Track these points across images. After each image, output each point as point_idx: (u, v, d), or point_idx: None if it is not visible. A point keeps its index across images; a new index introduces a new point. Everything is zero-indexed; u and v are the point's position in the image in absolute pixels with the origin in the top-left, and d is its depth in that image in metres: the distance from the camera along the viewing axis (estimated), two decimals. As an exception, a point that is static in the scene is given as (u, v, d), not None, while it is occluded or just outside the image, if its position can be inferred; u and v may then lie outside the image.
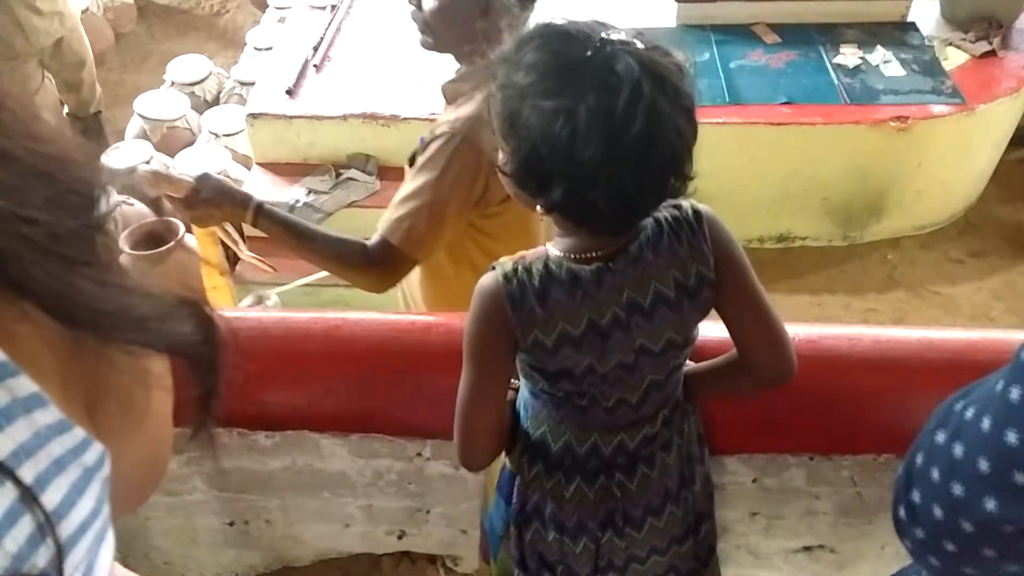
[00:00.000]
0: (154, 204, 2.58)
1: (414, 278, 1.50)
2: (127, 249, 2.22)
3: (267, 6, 3.44)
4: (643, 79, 0.81)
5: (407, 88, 2.57)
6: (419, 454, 1.32)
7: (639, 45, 0.84)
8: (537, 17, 0.90)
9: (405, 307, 1.62)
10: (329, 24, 2.88)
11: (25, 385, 0.35)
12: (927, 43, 2.84)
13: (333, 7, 2.98)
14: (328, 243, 1.38)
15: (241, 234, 1.51)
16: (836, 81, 2.69)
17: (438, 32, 1.33)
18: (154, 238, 2.27)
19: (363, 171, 2.60)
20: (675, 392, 1.06)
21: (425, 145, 1.34)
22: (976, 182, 2.96)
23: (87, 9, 3.58)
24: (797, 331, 1.19)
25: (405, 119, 2.52)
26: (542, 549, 1.11)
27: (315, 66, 2.73)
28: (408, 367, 1.24)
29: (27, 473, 0.34)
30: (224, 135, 2.86)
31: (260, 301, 2.18)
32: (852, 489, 1.30)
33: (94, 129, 3.20)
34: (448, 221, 1.33)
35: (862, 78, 2.70)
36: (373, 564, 1.61)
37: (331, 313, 1.29)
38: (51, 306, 0.35)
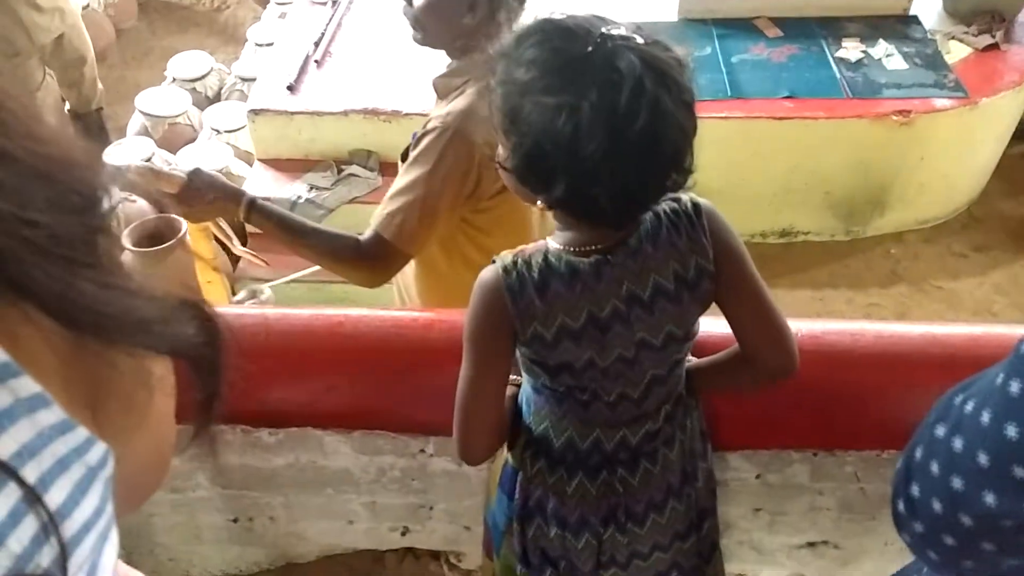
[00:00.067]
0: (157, 202, 2.58)
1: (409, 273, 1.51)
2: (129, 246, 2.22)
3: (268, 2, 3.44)
4: (645, 75, 0.81)
5: (408, 83, 2.56)
6: (422, 451, 1.32)
7: (639, 40, 0.83)
8: (537, 11, 0.90)
9: (401, 302, 1.63)
10: (330, 20, 2.88)
11: (28, 386, 0.35)
12: (929, 36, 2.83)
13: (334, 2, 2.98)
14: (321, 238, 1.38)
15: (243, 233, 1.51)
16: (838, 75, 2.68)
17: (428, 28, 1.34)
18: (156, 235, 2.27)
19: (365, 167, 2.59)
20: (677, 387, 1.06)
21: (417, 140, 1.34)
22: (979, 176, 2.95)
23: (88, 5, 3.57)
24: (800, 326, 1.19)
25: (407, 115, 2.51)
26: (544, 545, 1.11)
27: (316, 62, 2.73)
28: (411, 364, 1.24)
29: (30, 473, 0.34)
30: (226, 131, 2.86)
31: (253, 295, 2.19)
32: (855, 485, 1.30)
33: (96, 126, 3.20)
34: (440, 215, 1.33)
35: (864, 72, 2.69)
36: (377, 560, 1.61)
37: (334, 310, 1.29)
38: (53, 308, 0.35)
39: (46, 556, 0.34)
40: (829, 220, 2.84)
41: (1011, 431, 0.60)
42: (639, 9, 2.75)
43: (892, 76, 2.68)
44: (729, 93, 2.61)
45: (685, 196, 0.95)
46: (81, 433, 0.37)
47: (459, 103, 1.31)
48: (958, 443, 0.66)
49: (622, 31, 0.84)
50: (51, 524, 0.35)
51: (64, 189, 0.37)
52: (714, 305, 1.00)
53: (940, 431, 0.69)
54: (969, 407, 0.66)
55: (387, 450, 1.32)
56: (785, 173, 2.71)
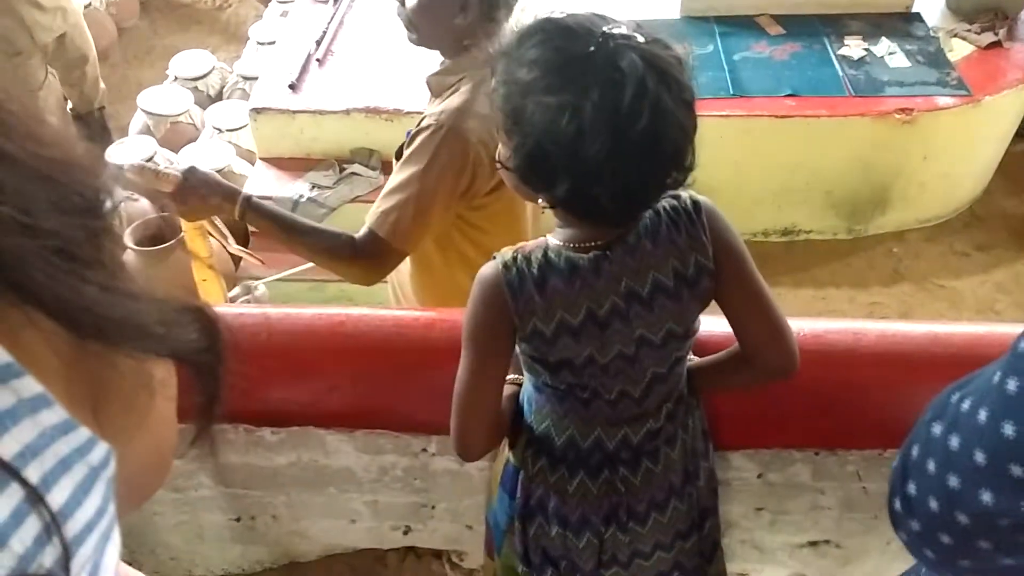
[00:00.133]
0: (158, 201, 2.58)
1: (404, 271, 1.51)
2: (131, 245, 2.22)
3: (270, 0, 3.43)
4: (647, 75, 0.81)
5: (410, 82, 2.56)
6: (424, 450, 1.32)
7: (640, 39, 0.84)
8: (538, 10, 0.90)
9: (395, 300, 1.63)
10: (331, 18, 2.88)
11: (30, 386, 0.35)
12: (932, 34, 2.82)
13: (336, 1, 2.98)
14: (317, 236, 1.38)
15: (245, 233, 1.52)
16: (840, 73, 2.68)
17: (421, 28, 1.35)
18: (158, 235, 2.27)
19: (366, 165, 2.59)
20: (678, 386, 1.06)
21: (411, 138, 1.34)
22: (981, 174, 2.95)
23: (90, 4, 3.57)
24: (802, 325, 1.19)
25: (408, 113, 2.51)
26: (545, 544, 1.11)
27: (318, 60, 2.73)
28: (413, 363, 1.24)
29: (33, 473, 0.34)
30: (227, 130, 2.86)
31: (248, 291, 2.19)
32: (857, 484, 1.30)
33: (98, 125, 3.20)
34: (435, 213, 1.33)
35: (867, 70, 2.69)
36: (378, 559, 1.61)
37: (335, 309, 1.29)
38: (55, 311, 0.35)
39: (49, 556, 0.34)
40: (831, 219, 2.83)
41: (1008, 429, 0.60)
42: (641, 7, 2.75)
43: (895, 74, 2.67)
44: (731, 91, 2.61)
45: (685, 194, 0.96)
46: (83, 433, 0.37)
47: (453, 101, 1.31)
48: (955, 441, 0.66)
49: (623, 30, 0.84)
50: (54, 524, 0.35)
51: (66, 191, 0.37)
52: (715, 305, 1.00)
53: (937, 429, 0.69)
54: (966, 405, 0.66)
55: (389, 449, 1.32)
56: (787, 171, 2.71)
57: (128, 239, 2.24)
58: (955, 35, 2.84)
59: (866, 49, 2.76)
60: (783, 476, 1.31)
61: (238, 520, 1.49)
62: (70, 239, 0.36)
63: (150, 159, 2.65)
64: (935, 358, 1.19)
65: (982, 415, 0.63)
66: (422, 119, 1.34)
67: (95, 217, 0.38)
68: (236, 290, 2.18)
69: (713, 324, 1.07)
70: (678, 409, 1.07)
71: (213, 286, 1.54)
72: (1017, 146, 2.96)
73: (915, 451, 0.71)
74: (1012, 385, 0.61)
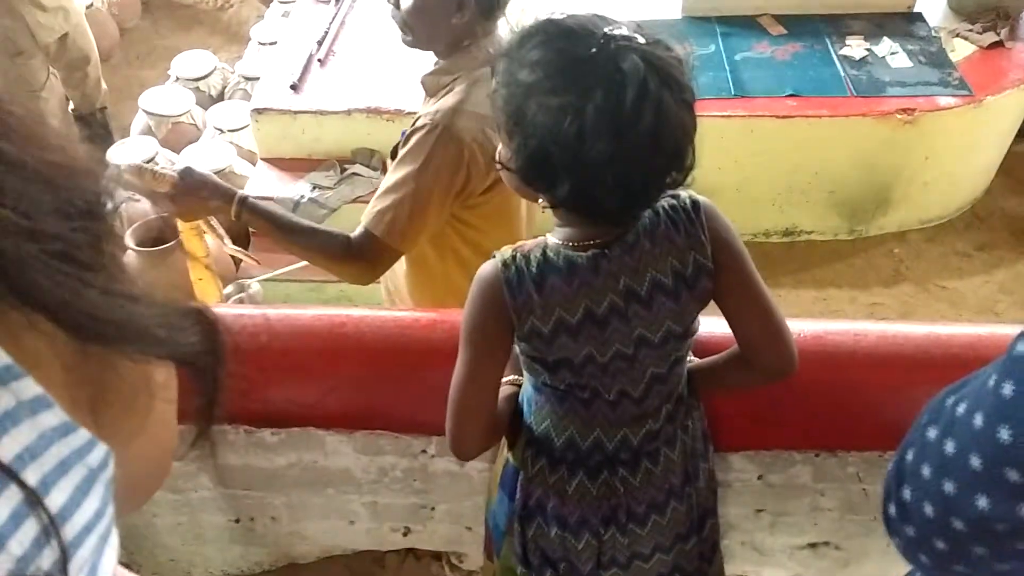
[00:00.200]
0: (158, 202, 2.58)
1: (399, 270, 1.51)
2: (132, 246, 2.22)
3: (271, 1, 3.44)
4: (649, 76, 0.81)
5: (411, 82, 2.54)
6: (424, 451, 1.32)
7: (641, 40, 0.84)
8: (539, 11, 0.90)
9: (389, 299, 1.63)
10: (333, 19, 2.88)
11: (30, 388, 0.35)
12: (934, 34, 2.82)
13: (337, 1, 2.98)
14: (312, 236, 1.39)
15: (246, 234, 1.52)
16: (842, 73, 2.68)
17: (417, 30, 1.36)
18: (159, 235, 2.28)
19: (368, 166, 2.59)
20: (678, 387, 1.06)
21: (406, 138, 1.35)
22: (983, 175, 2.94)
23: (92, 4, 3.58)
24: (802, 327, 1.19)
25: (410, 113, 2.51)
26: (544, 545, 1.11)
27: (319, 61, 2.73)
28: (413, 364, 1.24)
29: (32, 475, 0.34)
30: (229, 130, 2.86)
31: (242, 290, 2.20)
32: (857, 486, 1.30)
33: (99, 125, 3.21)
34: (431, 212, 1.34)
35: (868, 70, 2.69)
36: (378, 561, 1.61)
37: (336, 310, 1.29)
38: (56, 315, 0.35)
39: (47, 559, 0.34)
40: (833, 219, 2.83)
41: (1004, 434, 0.60)
42: (643, 7, 2.74)
43: (896, 74, 2.67)
44: (732, 91, 2.60)
45: (684, 193, 0.96)
46: (82, 435, 0.37)
47: (448, 100, 1.32)
48: (950, 446, 0.65)
49: (624, 31, 0.84)
50: (52, 526, 0.35)
51: (68, 194, 0.37)
52: (715, 306, 1.00)
53: (932, 434, 0.68)
54: (961, 409, 0.65)
55: (389, 450, 1.32)
56: (788, 172, 2.71)
57: (129, 240, 2.24)
58: (957, 35, 2.84)
59: (868, 49, 2.75)
60: (783, 478, 1.31)
61: (237, 521, 1.49)
62: (71, 242, 0.36)
63: (151, 160, 2.66)
64: (936, 359, 1.19)
65: (978, 419, 0.62)
66: (417, 119, 1.35)
67: (96, 220, 0.38)
68: (229, 288, 2.18)
69: (713, 325, 1.07)
70: (678, 410, 1.07)
71: (209, 286, 1.54)
72: (1019, 146, 2.95)
73: (910, 456, 0.70)
74: (1008, 389, 0.60)
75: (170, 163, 2.66)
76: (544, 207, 0.93)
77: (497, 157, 0.95)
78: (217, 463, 1.36)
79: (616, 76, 0.81)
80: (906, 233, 2.90)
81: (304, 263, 1.61)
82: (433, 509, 1.43)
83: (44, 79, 2.89)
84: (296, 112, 2.58)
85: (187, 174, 1.36)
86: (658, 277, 0.94)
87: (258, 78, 2.85)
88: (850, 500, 1.32)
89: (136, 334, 0.38)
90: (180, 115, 2.97)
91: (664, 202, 0.95)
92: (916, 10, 2.91)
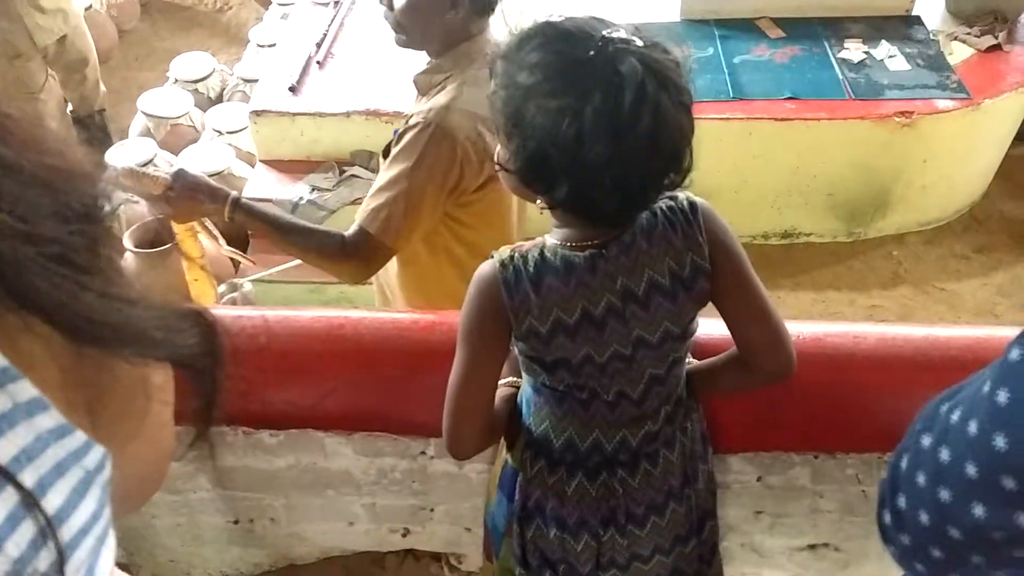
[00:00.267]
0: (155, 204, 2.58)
1: (392, 269, 1.51)
2: (130, 247, 2.22)
3: (270, 2, 3.44)
4: (646, 79, 0.82)
5: (410, 85, 2.56)
6: (423, 452, 1.32)
7: (639, 43, 0.84)
8: (537, 14, 0.90)
9: (382, 297, 1.64)
10: (332, 20, 2.88)
11: (26, 390, 0.35)
12: (932, 37, 2.82)
13: (336, 3, 2.98)
14: (307, 235, 1.39)
15: (245, 236, 1.53)
16: (840, 76, 2.68)
17: (410, 29, 1.36)
18: (157, 237, 2.28)
19: (366, 168, 2.59)
20: (677, 388, 1.06)
21: (399, 136, 1.35)
22: (981, 177, 2.95)
23: (90, 6, 3.58)
24: (801, 329, 1.19)
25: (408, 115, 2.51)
26: (543, 546, 1.11)
27: (318, 63, 2.73)
28: (412, 366, 1.24)
29: (28, 478, 0.34)
30: (228, 132, 2.86)
31: (234, 289, 2.20)
32: (857, 487, 1.30)
33: (98, 127, 3.21)
34: (424, 209, 1.34)
35: (867, 73, 2.69)
36: (377, 562, 1.61)
37: (335, 312, 1.29)
38: (53, 318, 0.35)
39: (44, 560, 0.34)
40: (831, 221, 2.83)
41: (1000, 442, 0.59)
42: (641, 10, 2.75)
43: (894, 77, 2.67)
44: (731, 94, 2.61)
45: (682, 195, 0.96)
46: (79, 437, 0.37)
47: (440, 98, 1.32)
48: (945, 454, 0.65)
49: (622, 34, 0.84)
50: (49, 528, 0.35)
51: (66, 198, 0.37)
52: (715, 308, 1.00)
53: (926, 441, 0.68)
54: (955, 417, 0.65)
55: (388, 452, 1.32)
56: (787, 174, 2.71)
57: (128, 241, 2.24)
58: (955, 38, 2.84)
59: (866, 52, 2.76)
60: (782, 479, 1.31)
61: (236, 522, 1.49)
62: (69, 246, 0.36)
63: (150, 161, 2.65)
64: (935, 361, 1.19)
65: (972, 427, 0.62)
66: (409, 117, 1.35)
67: (93, 223, 0.38)
68: (222, 287, 2.18)
69: (712, 327, 1.07)
70: (677, 411, 1.07)
71: (205, 287, 1.55)
72: (1017, 149, 2.96)
73: (904, 463, 0.70)
74: (1003, 396, 0.59)
75: (169, 165, 2.66)
76: (542, 208, 0.93)
77: (496, 158, 0.95)
78: (216, 464, 1.36)
79: (614, 79, 0.81)
80: (905, 235, 2.90)
81: (298, 262, 1.61)
82: (432, 510, 1.43)
83: (42, 81, 2.89)
84: (295, 114, 2.58)
85: (180, 176, 1.36)
86: (655, 278, 0.94)
87: (257, 80, 2.85)
88: (849, 502, 1.32)
89: (133, 336, 0.38)
90: (179, 117, 2.97)
91: (662, 203, 0.96)
92: (914, 13, 2.91)
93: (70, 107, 3.18)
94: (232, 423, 1.28)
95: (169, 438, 0.46)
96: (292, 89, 2.62)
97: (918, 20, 2.90)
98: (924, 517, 0.66)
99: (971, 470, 0.62)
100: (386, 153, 1.41)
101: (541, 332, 0.95)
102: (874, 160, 2.66)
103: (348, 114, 2.56)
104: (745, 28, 2.86)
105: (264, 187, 2.57)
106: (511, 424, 1.11)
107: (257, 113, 2.59)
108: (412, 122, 1.33)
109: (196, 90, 3.15)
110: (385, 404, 1.27)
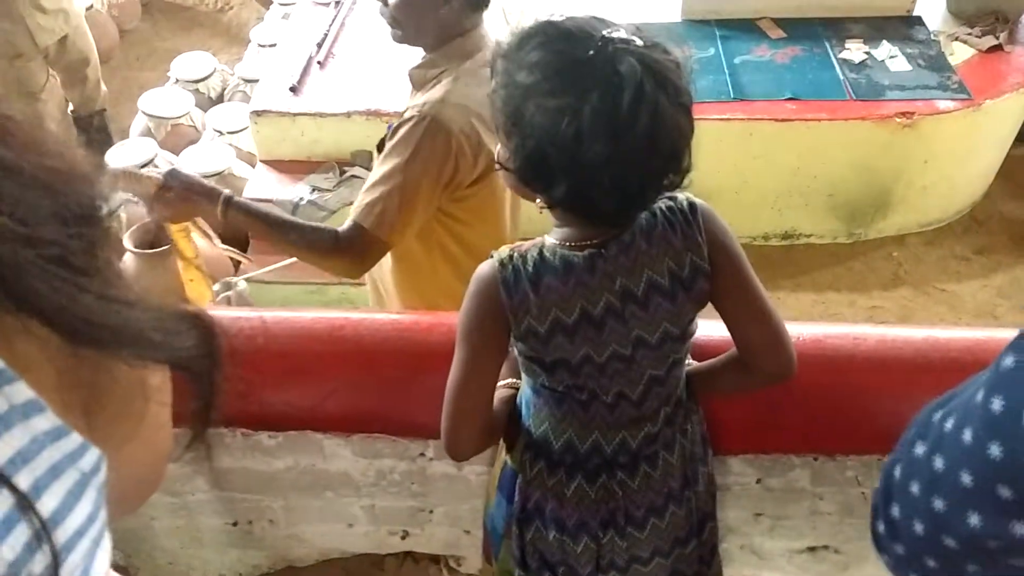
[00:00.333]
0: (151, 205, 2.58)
1: (385, 266, 1.51)
2: (130, 248, 2.22)
3: (271, 3, 3.44)
4: (645, 79, 0.82)
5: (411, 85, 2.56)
6: (422, 454, 1.32)
7: (639, 43, 0.84)
8: (537, 13, 0.90)
9: (376, 295, 1.64)
10: (333, 21, 2.88)
11: (22, 391, 0.35)
12: (933, 38, 2.82)
13: (337, 3, 2.98)
14: (301, 231, 1.39)
15: (246, 237, 1.53)
16: (841, 76, 2.68)
17: (405, 24, 1.37)
18: (157, 239, 2.27)
19: (367, 168, 2.59)
20: (677, 389, 1.06)
21: (393, 130, 1.35)
22: (982, 178, 2.94)
23: (91, 6, 3.58)
24: (801, 330, 1.19)
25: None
26: (543, 548, 1.11)
27: (319, 63, 2.73)
28: (411, 367, 1.24)
29: (23, 480, 0.34)
30: (228, 132, 2.86)
31: (228, 287, 2.20)
32: (856, 489, 1.30)
33: (99, 127, 3.21)
34: (419, 203, 1.34)
35: (868, 73, 2.69)
36: (376, 564, 1.61)
37: (335, 313, 1.29)
38: (52, 320, 0.35)
39: (39, 563, 0.34)
40: (832, 222, 2.83)
41: (995, 450, 0.58)
42: (642, 10, 2.75)
43: (895, 78, 2.67)
44: (732, 95, 2.60)
45: (681, 195, 0.96)
46: (75, 439, 0.37)
47: (435, 93, 1.33)
48: (939, 463, 0.64)
49: (622, 34, 0.84)
50: (44, 531, 0.35)
51: (65, 200, 0.37)
52: (715, 309, 1.00)
53: (920, 450, 0.67)
54: (949, 425, 0.64)
55: (387, 453, 1.32)
56: (788, 175, 2.71)
57: (128, 242, 2.24)
58: (956, 39, 2.84)
59: (867, 53, 2.76)
60: (782, 481, 1.30)
61: (235, 524, 1.48)
62: (68, 248, 0.36)
63: (151, 161, 2.65)
64: (935, 363, 1.19)
65: (967, 435, 0.61)
66: (404, 111, 1.35)
67: (92, 225, 0.38)
68: (216, 286, 2.19)
69: (712, 328, 1.06)
70: (677, 413, 1.07)
71: (201, 287, 1.55)
72: (1017, 150, 2.95)
73: (898, 472, 0.69)
74: (997, 405, 0.59)
75: (170, 165, 2.66)
76: (542, 207, 0.93)
77: (496, 157, 0.95)
78: (213, 466, 1.35)
79: (613, 79, 0.81)
80: (905, 237, 2.90)
81: (293, 259, 1.62)
82: (431, 512, 1.43)
83: (43, 81, 2.90)
84: (295, 114, 2.58)
85: (171, 176, 1.36)
86: (654, 278, 0.94)
87: (257, 80, 2.86)
88: (849, 504, 1.32)
89: (131, 338, 0.38)
90: (179, 117, 2.97)
91: (661, 204, 0.96)
92: (915, 14, 2.91)
93: (71, 107, 3.18)
94: (231, 424, 1.28)
95: (167, 440, 0.46)
96: (293, 89, 2.62)
97: (919, 20, 2.89)
98: (918, 526, 0.66)
99: (966, 479, 0.61)
100: (380, 148, 1.42)
101: (540, 332, 0.95)
102: (875, 161, 2.66)
103: (349, 114, 2.56)
104: (746, 28, 2.86)
105: (265, 187, 2.57)
106: (510, 426, 1.11)
107: (258, 113, 2.60)
108: (406, 116, 1.33)
109: (197, 90, 3.15)
110: (384, 405, 1.27)
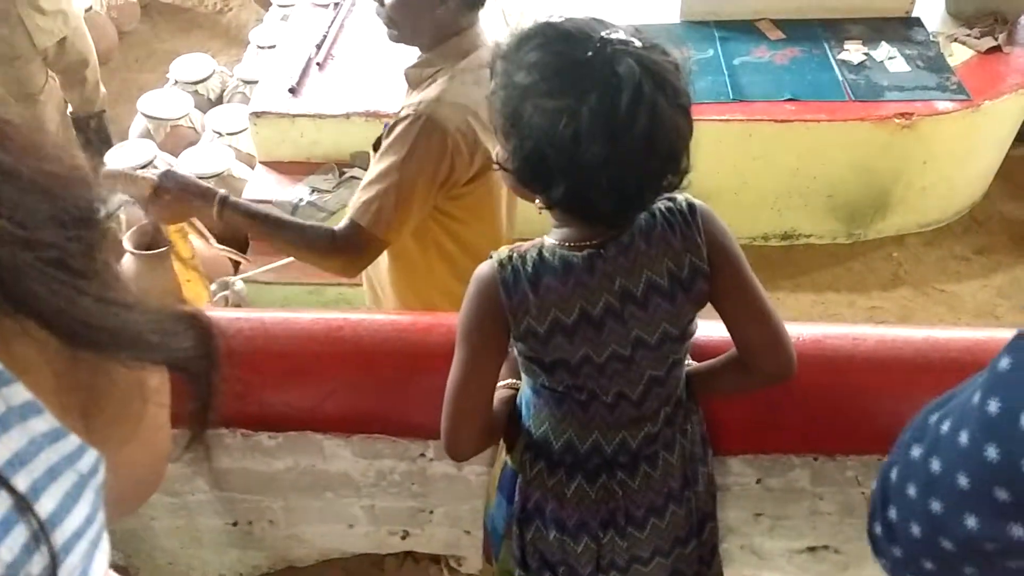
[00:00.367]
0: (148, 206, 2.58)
1: (382, 265, 1.52)
2: (130, 249, 2.22)
3: (270, 4, 3.44)
4: (644, 80, 0.82)
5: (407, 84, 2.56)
6: (422, 454, 1.32)
7: (638, 44, 0.84)
8: (537, 14, 0.90)
9: (372, 294, 1.64)
10: (332, 22, 2.88)
11: (20, 393, 0.35)
12: (932, 39, 2.82)
13: (336, 5, 2.98)
14: (297, 230, 1.39)
15: (246, 238, 1.53)
16: (840, 77, 2.68)
17: (401, 24, 1.37)
18: (155, 240, 2.27)
19: (366, 169, 2.59)
20: (676, 389, 1.06)
21: (389, 129, 1.35)
22: (981, 179, 2.95)
23: (90, 8, 3.58)
24: (801, 330, 1.19)
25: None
26: (543, 548, 1.11)
27: (318, 64, 2.73)
28: (411, 367, 1.24)
29: (21, 481, 0.34)
30: (228, 134, 2.86)
31: (226, 287, 2.20)
32: (856, 489, 1.30)
33: (98, 129, 3.21)
34: (415, 201, 1.34)
35: (867, 74, 2.69)
36: (376, 564, 1.61)
37: (333, 313, 1.29)
38: (50, 323, 0.35)
39: (37, 565, 0.34)
40: (831, 223, 2.83)
41: (992, 452, 0.58)
42: (642, 11, 2.75)
43: (894, 78, 2.67)
44: (731, 96, 2.61)
45: (681, 196, 0.96)
46: (73, 441, 0.37)
47: (431, 91, 1.33)
48: (936, 465, 0.64)
49: (621, 35, 0.84)
50: (42, 532, 0.35)
51: (64, 203, 0.37)
52: (714, 309, 1.00)
53: (916, 452, 0.67)
54: (945, 427, 0.64)
55: (387, 454, 1.32)
56: (787, 176, 2.71)
57: (127, 243, 2.23)
58: (955, 40, 2.84)
59: (866, 54, 2.76)
60: (782, 481, 1.30)
61: (235, 524, 1.48)
62: (66, 250, 0.36)
63: (150, 163, 2.65)
64: (934, 363, 1.19)
65: (963, 438, 0.61)
66: (400, 110, 1.35)
67: (91, 228, 0.38)
68: (213, 286, 2.19)
69: (712, 328, 1.07)
70: (677, 413, 1.07)
71: (198, 287, 1.55)
72: (1017, 150, 2.96)
73: (894, 474, 0.69)
74: (994, 407, 0.58)
75: (169, 166, 2.66)
76: (540, 208, 0.93)
77: (494, 157, 0.96)
78: (213, 466, 1.35)
79: (612, 80, 0.82)
80: (904, 237, 2.90)
81: (290, 259, 1.62)
82: (431, 512, 1.43)
83: (42, 83, 2.89)
84: (295, 116, 2.58)
85: (166, 177, 1.36)
86: (653, 278, 0.94)
87: (257, 82, 2.86)
88: (849, 504, 1.32)
89: (130, 340, 0.38)
90: (179, 118, 2.97)
91: (661, 204, 0.96)
92: (914, 15, 2.91)
93: (70, 109, 3.18)
94: (231, 425, 1.28)
95: (165, 441, 0.46)
96: (292, 91, 2.62)
97: (918, 22, 2.90)
98: (916, 529, 0.66)
99: (963, 481, 0.61)
100: (376, 146, 1.42)
101: (539, 332, 0.95)
102: (874, 161, 2.66)
103: (348, 116, 2.56)
104: (745, 30, 2.86)
105: (264, 189, 2.57)
106: (510, 426, 1.11)
107: (257, 115, 2.60)
108: (402, 114, 1.34)
109: (196, 92, 3.15)
110: (384, 406, 1.27)
